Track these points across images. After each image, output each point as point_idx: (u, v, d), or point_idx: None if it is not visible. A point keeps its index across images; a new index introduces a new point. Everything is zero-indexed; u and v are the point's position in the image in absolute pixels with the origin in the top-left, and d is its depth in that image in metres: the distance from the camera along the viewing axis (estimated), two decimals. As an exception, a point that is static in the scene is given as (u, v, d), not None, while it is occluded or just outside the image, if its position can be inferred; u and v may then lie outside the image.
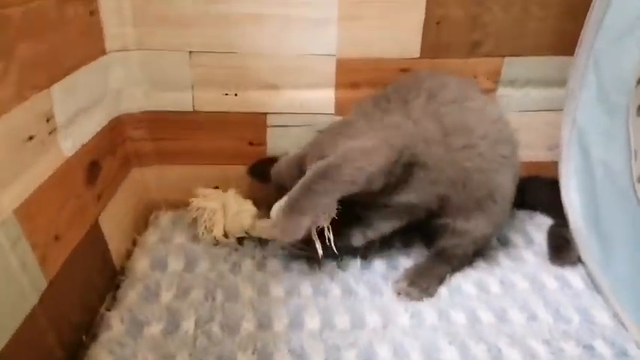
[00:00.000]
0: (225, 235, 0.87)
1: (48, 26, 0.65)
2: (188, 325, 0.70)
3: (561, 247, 0.86)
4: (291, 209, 0.70)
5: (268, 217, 0.78)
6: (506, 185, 0.79)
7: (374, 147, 0.71)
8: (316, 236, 0.72)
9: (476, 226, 0.79)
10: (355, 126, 0.78)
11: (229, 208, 0.87)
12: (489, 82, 0.93)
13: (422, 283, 0.80)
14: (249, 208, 0.88)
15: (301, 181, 0.71)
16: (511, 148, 0.80)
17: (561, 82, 0.88)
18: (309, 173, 0.71)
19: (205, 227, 0.87)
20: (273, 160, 0.88)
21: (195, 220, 0.89)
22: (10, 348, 0.54)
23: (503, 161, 0.78)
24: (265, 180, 0.87)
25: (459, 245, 0.81)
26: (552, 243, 0.89)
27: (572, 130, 0.87)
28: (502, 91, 0.94)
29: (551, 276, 0.83)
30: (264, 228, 0.85)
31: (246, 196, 0.91)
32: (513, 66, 0.92)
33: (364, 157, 0.70)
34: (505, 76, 0.93)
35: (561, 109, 0.88)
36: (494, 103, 0.87)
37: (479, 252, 0.86)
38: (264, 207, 0.84)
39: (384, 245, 0.88)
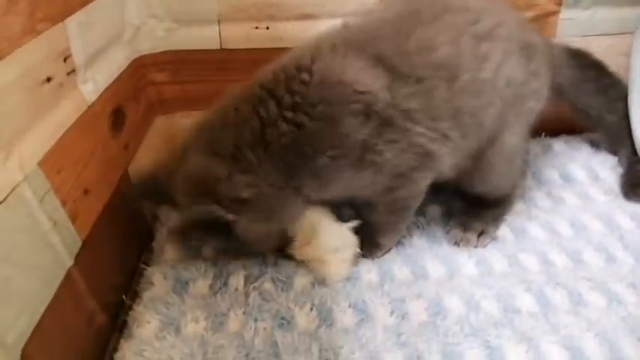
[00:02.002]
0: None
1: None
2: (237, 280, 0.65)
3: (637, 181, 0.78)
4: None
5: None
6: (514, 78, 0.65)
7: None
8: None
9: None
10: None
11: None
12: (551, 4, 0.83)
13: (477, 226, 0.72)
14: None
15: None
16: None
17: (634, 2, 0.78)
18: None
19: None
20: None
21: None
22: (48, 316, 0.49)
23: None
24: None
25: (492, 166, 0.69)
26: (627, 177, 0.81)
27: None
28: (565, 13, 0.83)
29: (626, 215, 0.75)
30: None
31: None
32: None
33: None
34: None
35: (632, 33, 0.78)
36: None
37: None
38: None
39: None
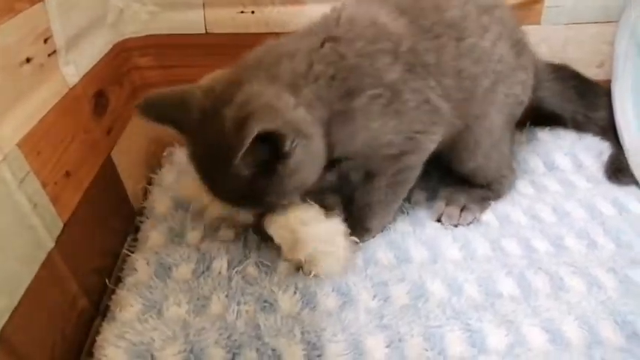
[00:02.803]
0: None
1: None
2: (220, 264, 0.64)
3: (621, 166, 0.79)
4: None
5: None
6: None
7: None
8: None
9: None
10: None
11: None
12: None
13: (460, 199, 0.73)
14: None
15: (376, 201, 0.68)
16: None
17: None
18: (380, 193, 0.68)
19: None
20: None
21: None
22: (28, 298, 0.48)
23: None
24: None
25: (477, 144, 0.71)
26: (611, 160, 0.82)
27: (629, 44, 0.78)
28: (550, 1, 0.83)
29: (608, 201, 0.76)
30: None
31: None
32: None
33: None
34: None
35: (617, 21, 0.78)
36: None
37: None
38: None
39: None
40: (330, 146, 0.60)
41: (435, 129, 0.65)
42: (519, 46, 0.71)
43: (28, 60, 0.54)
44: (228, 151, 0.50)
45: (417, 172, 0.69)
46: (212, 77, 0.59)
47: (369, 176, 0.68)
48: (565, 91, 0.83)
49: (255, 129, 0.48)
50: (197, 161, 0.57)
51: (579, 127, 0.88)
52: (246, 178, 0.55)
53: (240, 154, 0.49)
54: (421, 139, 0.64)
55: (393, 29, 0.61)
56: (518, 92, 0.71)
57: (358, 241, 0.67)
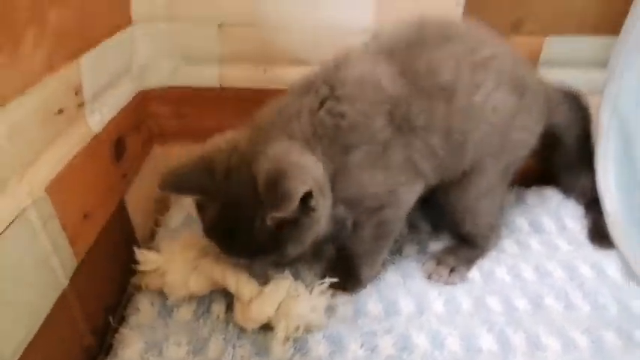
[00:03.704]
0: None
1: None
2: (219, 308, 0.68)
3: (602, 231, 0.83)
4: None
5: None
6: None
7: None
8: None
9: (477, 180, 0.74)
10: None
11: None
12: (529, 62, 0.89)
13: (450, 261, 0.78)
14: None
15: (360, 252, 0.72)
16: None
17: (604, 64, 0.84)
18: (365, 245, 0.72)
19: None
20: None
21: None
22: (41, 334, 0.52)
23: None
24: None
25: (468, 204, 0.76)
26: (593, 225, 0.87)
27: (611, 117, 0.83)
28: (542, 71, 0.90)
29: (587, 264, 0.80)
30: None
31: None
32: (554, 45, 0.89)
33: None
34: (545, 55, 0.89)
35: (601, 93, 0.84)
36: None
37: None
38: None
39: (412, 229, 0.86)
40: (332, 199, 0.65)
41: (417, 186, 0.69)
42: (522, 87, 0.72)
43: (60, 111, 0.59)
44: (258, 204, 0.54)
45: (398, 225, 0.73)
46: (224, 139, 0.63)
47: (354, 226, 0.71)
48: (574, 123, 0.87)
49: (300, 191, 0.54)
50: (216, 219, 0.60)
51: (563, 173, 0.92)
52: (270, 230, 0.59)
53: (278, 211, 0.53)
54: (401, 193, 0.68)
55: (392, 92, 0.65)
56: (516, 138, 0.74)
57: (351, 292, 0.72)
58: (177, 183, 0.61)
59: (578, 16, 0.87)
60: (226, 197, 0.59)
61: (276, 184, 0.54)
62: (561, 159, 0.90)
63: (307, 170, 0.59)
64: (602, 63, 0.86)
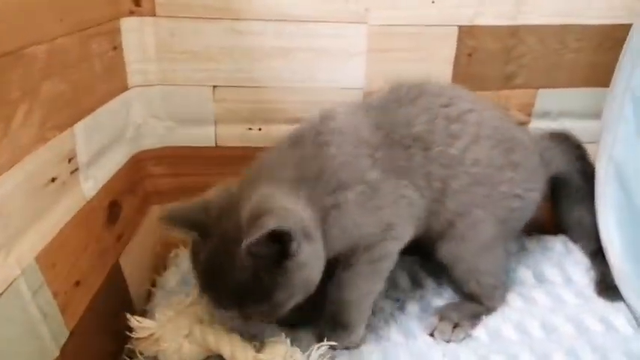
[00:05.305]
0: None
1: (72, 63, 0.63)
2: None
3: (609, 282, 0.82)
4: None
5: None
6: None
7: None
8: None
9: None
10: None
11: None
12: (522, 115, 0.91)
13: (453, 317, 0.76)
14: None
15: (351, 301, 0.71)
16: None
17: (596, 114, 0.85)
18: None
19: None
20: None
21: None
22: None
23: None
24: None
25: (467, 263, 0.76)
26: (600, 277, 0.85)
27: (608, 166, 0.83)
28: (535, 123, 0.91)
29: (595, 318, 0.78)
30: None
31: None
32: (547, 98, 0.90)
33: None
34: (538, 108, 0.90)
35: (597, 142, 0.84)
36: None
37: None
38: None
39: (416, 285, 0.84)
40: (326, 245, 0.64)
41: (412, 219, 0.70)
42: (509, 142, 0.75)
43: (52, 180, 0.59)
44: (239, 241, 0.54)
45: (391, 261, 0.71)
46: (222, 187, 0.66)
47: (343, 268, 0.70)
48: (574, 163, 0.88)
49: (270, 225, 0.54)
50: (206, 260, 0.61)
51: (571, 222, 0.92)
52: (251, 270, 0.58)
53: (251, 240, 0.53)
54: (397, 227, 0.69)
55: (371, 140, 0.69)
56: (513, 192, 0.75)
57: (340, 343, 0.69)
58: (175, 217, 0.63)
59: (568, 69, 0.89)
60: (217, 237, 0.60)
61: (257, 219, 0.55)
62: (570, 205, 0.90)
63: (290, 212, 0.59)
64: (595, 114, 0.86)
